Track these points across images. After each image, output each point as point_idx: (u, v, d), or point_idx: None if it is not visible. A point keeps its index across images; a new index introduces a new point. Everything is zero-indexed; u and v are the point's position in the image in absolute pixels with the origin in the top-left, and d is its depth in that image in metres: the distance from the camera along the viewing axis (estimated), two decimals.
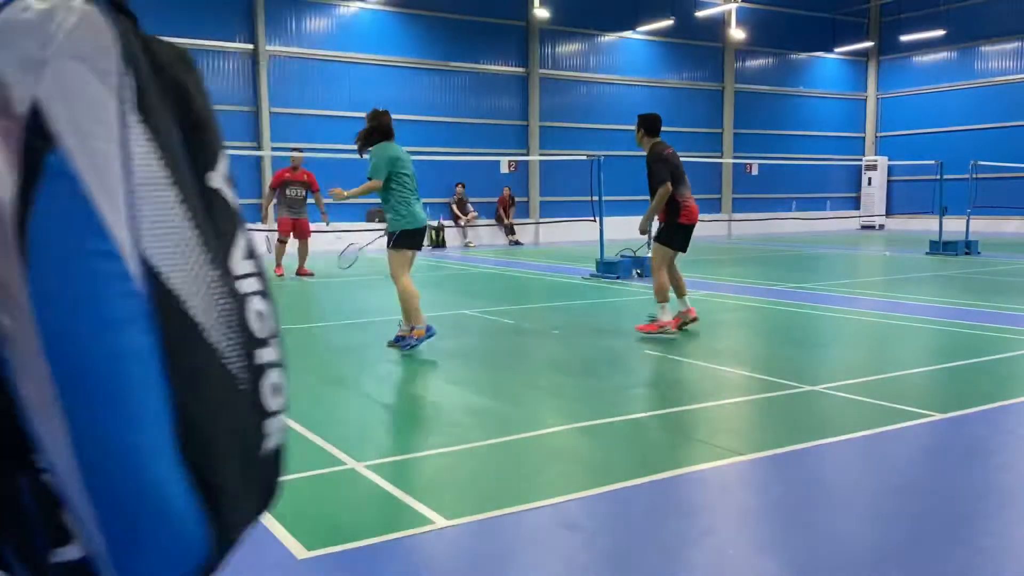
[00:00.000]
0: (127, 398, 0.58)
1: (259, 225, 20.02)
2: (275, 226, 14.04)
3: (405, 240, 6.76)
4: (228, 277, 0.66)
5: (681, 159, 7.82)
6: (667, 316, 7.49)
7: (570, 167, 22.91)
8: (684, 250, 7.75)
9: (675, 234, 7.64)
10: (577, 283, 12.28)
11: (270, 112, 20.08)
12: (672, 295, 7.70)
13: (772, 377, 5.88)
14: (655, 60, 25.76)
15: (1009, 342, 7.14)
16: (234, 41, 19.82)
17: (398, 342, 6.91)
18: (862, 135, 30.30)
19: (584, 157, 14.42)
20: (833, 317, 8.79)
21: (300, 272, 13.68)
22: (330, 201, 10.65)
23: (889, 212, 29.39)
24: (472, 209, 22.25)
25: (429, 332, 6.75)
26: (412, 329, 6.78)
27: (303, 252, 13.79)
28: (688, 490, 3.72)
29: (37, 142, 0.57)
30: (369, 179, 6.74)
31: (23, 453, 0.60)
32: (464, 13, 22.50)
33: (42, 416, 0.57)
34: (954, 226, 21.01)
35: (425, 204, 24.99)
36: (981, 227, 23.75)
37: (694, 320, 7.75)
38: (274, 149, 19.91)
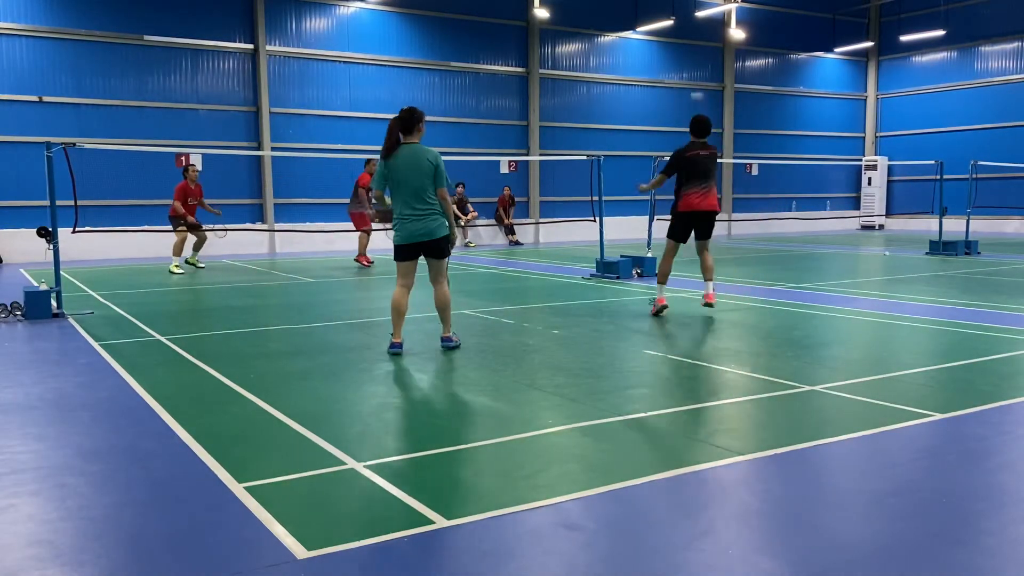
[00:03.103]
0: None
1: (259, 225, 20.03)
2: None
3: (396, 252, 6.85)
4: None
5: (703, 157, 8.72)
6: (659, 294, 8.77)
7: (570, 167, 22.92)
8: (683, 240, 8.86)
9: (675, 224, 8.80)
10: (577, 283, 12.28)
11: (270, 112, 20.08)
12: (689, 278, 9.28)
13: (772, 377, 5.88)
14: (655, 60, 25.76)
15: (1009, 342, 7.14)
16: (234, 41, 19.82)
17: (445, 343, 7.06)
18: (862, 135, 30.30)
19: (584, 157, 14.42)
20: (833, 317, 8.79)
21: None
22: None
23: (889, 212, 29.40)
24: (472, 209, 22.25)
25: (393, 348, 6.82)
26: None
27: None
28: (688, 490, 3.72)
29: None
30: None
31: None
32: (464, 13, 22.50)
33: None
34: (954, 226, 21.01)
35: None
36: (981, 227, 23.76)
37: (708, 305, 8.83)
38: (274, 149, 19.91)
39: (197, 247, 15.33)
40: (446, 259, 6.91)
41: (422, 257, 6.88)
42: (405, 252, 6.80)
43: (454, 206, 21.90)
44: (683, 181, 8.69)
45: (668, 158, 8.91)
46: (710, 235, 8.91)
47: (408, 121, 6.72)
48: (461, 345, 7.11)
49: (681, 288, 11.32)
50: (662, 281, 8.88)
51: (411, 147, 6.70)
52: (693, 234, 8.87)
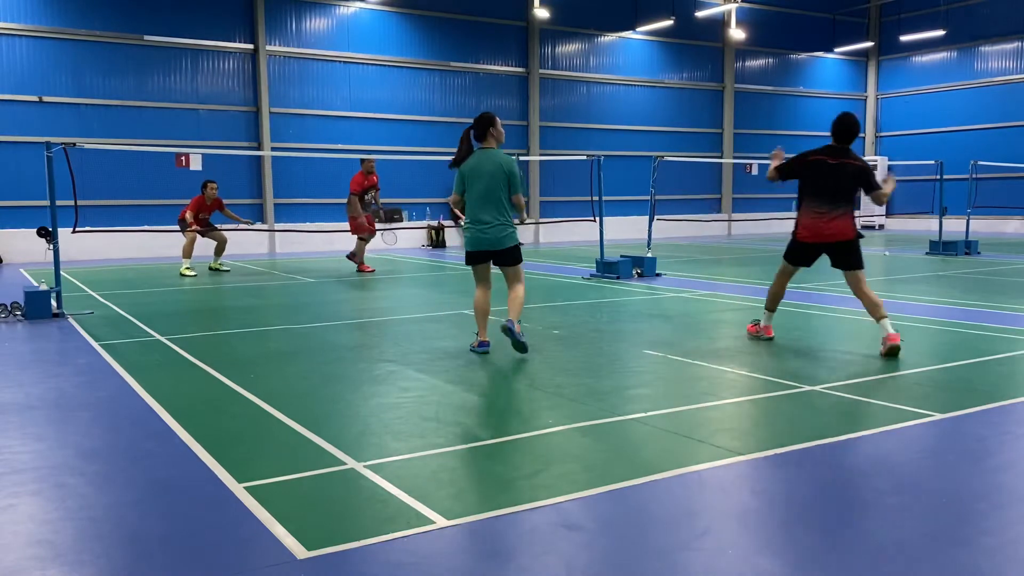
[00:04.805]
0: None
1: (259, 225, 20.03)
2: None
3: (466, 257, 6.83)
4: None
5: (830, 167, 7.08)
6: (764, 321, 7.37)
7: (570, 167, 22.91)
8: (797, 265, 7.25)
9: (791, 245, 7.26)
10: (577, 283, 12.27)
11: (270, 112, 20.08)
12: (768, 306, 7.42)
13: (772, 377, 5.88)
14: (655, 60, 25.75)
15: (1009, 342, 7.14)
16: (234, 41, 19.82)
17: (507, 323, 6.58)
18: (862, 135, 30.30)
19: (584, 157, 14.41)
20: (833, 317, 8.78)
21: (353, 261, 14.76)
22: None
23: (889, 212, 29.37)
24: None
25: (480, 347, 6.79)
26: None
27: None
28: (688, 490, 3.72)
29: None
30: None
31: None
32: (464, 13, 22.51)
33: None
34: (954, 226, 21.01)
35: (425, 204, 25.03)
36: (981, 227, 23.75)
37: (893, 349, 6.49)
38: (274, 149, 19.91)
39: (218, 251, 14.85)
40: (520, 264, 6.74)
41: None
42: (474, 258, 6.79)
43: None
44: (803, 195, 7.17)
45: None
46: (853, 265, 6.85)
47: (479, 126, 6.66)
48: (527, 345, 6.58)
49: (683, 288, 11.32)
50: (770, 308, 7.35)
51: (485, 153, 6.66)
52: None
